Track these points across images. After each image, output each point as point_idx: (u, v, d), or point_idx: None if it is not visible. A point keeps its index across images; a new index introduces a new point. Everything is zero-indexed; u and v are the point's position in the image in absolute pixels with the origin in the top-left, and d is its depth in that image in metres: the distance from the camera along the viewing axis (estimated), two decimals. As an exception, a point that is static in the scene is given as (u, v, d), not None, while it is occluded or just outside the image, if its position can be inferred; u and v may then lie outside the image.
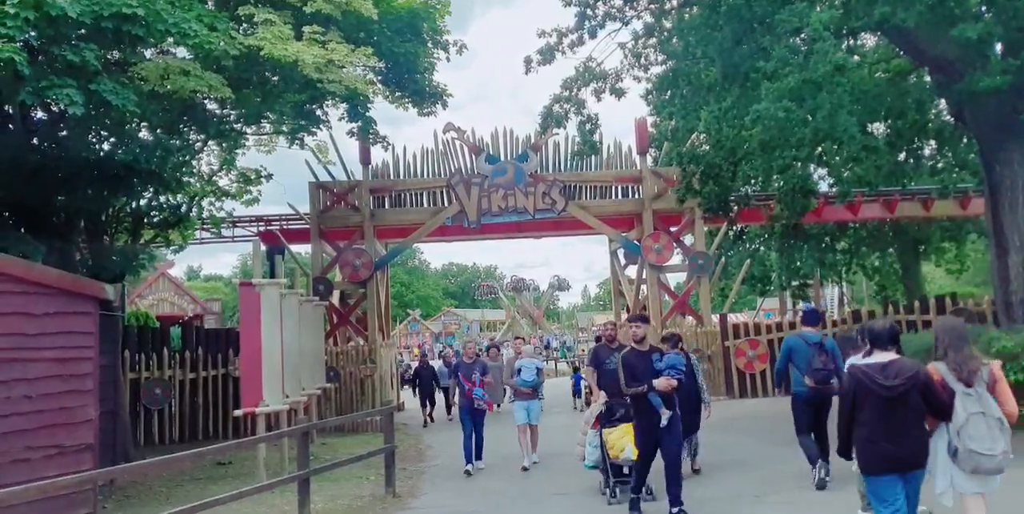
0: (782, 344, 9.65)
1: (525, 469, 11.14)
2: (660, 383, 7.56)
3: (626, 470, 8.61)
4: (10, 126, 11.92)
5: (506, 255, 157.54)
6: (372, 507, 9.36)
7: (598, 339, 14.72)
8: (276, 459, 12.01)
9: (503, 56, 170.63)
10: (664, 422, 7.58)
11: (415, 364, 30.13)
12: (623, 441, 8.43)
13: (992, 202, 12.59)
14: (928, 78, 14.18)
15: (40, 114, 12.56)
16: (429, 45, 16.04)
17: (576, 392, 20.26)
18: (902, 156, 17.85)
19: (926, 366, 5.13)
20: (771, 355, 18.04)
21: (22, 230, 11.99)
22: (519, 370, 11.50)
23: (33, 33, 8.97)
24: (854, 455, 5.18)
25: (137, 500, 10.42)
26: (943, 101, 14.56)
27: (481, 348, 16.10)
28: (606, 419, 8.85)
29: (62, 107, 9.80)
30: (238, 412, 11.78)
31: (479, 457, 11.61)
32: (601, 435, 8.82)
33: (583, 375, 22.75)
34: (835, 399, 6.95)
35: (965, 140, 16.13)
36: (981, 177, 13.30)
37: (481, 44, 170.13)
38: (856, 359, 5.89)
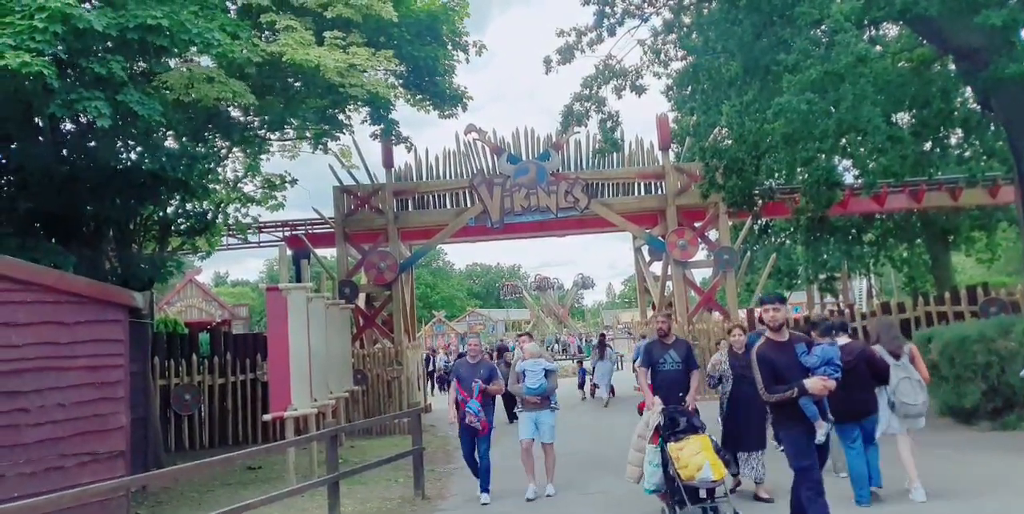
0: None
1: (530, 500, 9.18)
2: (814, 385, 5.81)
3: (703, 493, 6.96)
4: (40, 138, 12.07)
5: (530, 254, 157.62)
6: (402, 509, 9.37)
7: (620, 333, 14.74)
8: (305, 463, 12.06)
9: (522, 56, 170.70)
10: (821, 437, 5.94)
11: (450, 358, 30.11)
12: (699, 458, 6.79)
13: (1022, 189, 12.38)
14: (953, 66, 13.98)
15: (68, 125, 12.71)
16: (449, 47, 16.06)
17: (581, 385, 22.82)
18: (928, 145, 17.58)
19: (870, 347, 7.85)
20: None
21: (52, 240, 12.14)
22: (523, 374, 9.41)
23: (61, 47, 9.07)
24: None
25: (169, 505, 10.51)
26: (969, 89, 14.34)
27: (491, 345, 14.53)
28: (668, 431, 7.25)
29: (90, 118, 9.91)
30: (267, 416, 11.85)
31: (484, 488, 9.39)
32: (665, 451, 7.15)
33: (585, 370, 23.22)
34: None
35: (992, 128, 15.86)
36: (1010, 164, 13.09)
37: (499, 44, 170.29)
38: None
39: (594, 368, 21.77)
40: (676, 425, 7.22)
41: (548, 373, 9.40)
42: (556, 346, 44.02)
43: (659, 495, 7.48)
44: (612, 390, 21.51)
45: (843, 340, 7.60)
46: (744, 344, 8.49)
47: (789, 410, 5.90)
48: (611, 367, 21.84)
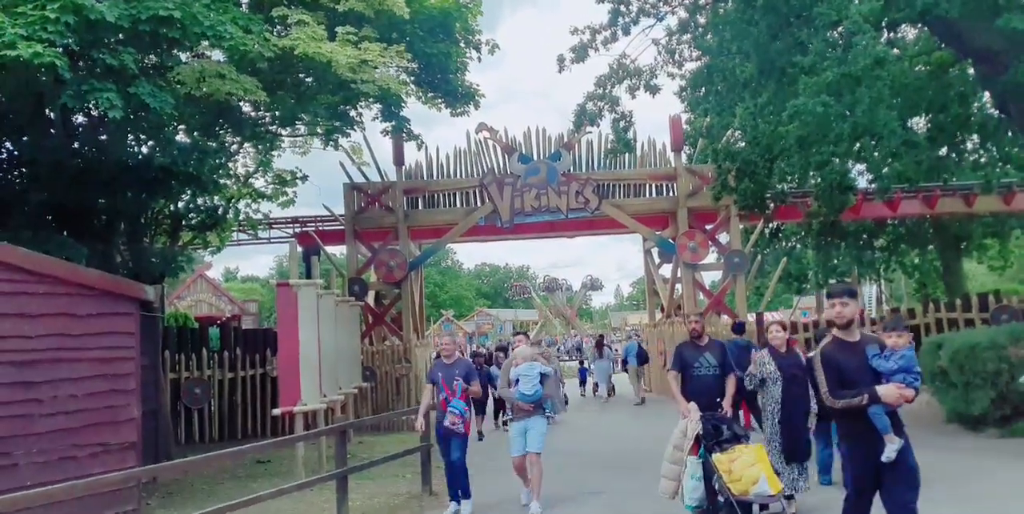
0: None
1: (526, 505, 8.66)
2: (888, 393, 4.99)
3: (757, 508, 6.49)
4: (51, 130, 12.15)
5: (539, 255, 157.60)
6: (409, 505, 9.39)
7: (739, 328, 14.48)
8: (314, 457, 12.09)
9: (533, 55, 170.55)
10: (891, 455, 5.03)
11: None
12: (754, 470, 6.13)
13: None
14: (971, 70, 13.91)
15: (80, 118, 12.77)
16: (461, 45, 16.06)
17: (582, 382, 23.73)
18: (943, 151, 17.53)
19: None
20: (809, 354, 17.81)
21: (64, 233, 12.20)
22: (516, 379, 8.61)
23: (73, 38, 9.09)
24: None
25: (179, 497, 10.55)
26: (987, 94, 14.27)
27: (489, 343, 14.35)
28: (711, 441, 6.57)
29: (102, 111, 9.95)
30: (276, 411, 11.88)
31: (465, 495, 8.74)
32: (708, 464, 6.48)
33: (586, 369, 23.72)
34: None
35: (1010, 133, 15.80)
36: (1026, 171, 13.03)
37: (511, 43, 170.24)
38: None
39: (590, 367, 23.37)
40: (719, 434, 6.56)
41: (544, 378, 8.59)
42: (561, 348, 44.02)
43: (699, 512, 6.70)
44: (612, 389, 22.11)
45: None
46: (785, 340, 7.86)
47: (855, 421, 5.10)
48: (609, 366, 22.67)
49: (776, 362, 7.69)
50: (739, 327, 13.79)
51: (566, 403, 16.68)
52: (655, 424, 15.50)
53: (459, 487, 8.69)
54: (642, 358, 21.60)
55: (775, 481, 6.16)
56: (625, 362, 21.55)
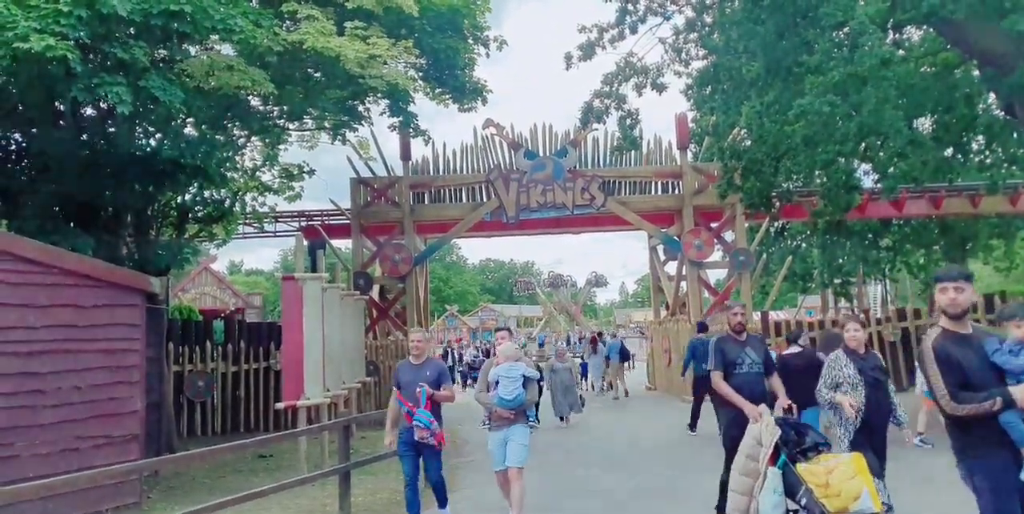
0: (687, 345, 14.63)
1: None
2: (1022, 393, 4.11)
3: None
4: (61, 122, 12.18)
5: (544, 251, 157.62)
6: (411, 500, 9.38)
7: (701, 327, 14.89)
8: (317, 452, 12.13)
9: (540, 50, 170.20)
10: None
11: (478, 352, 29.81)
12: (855, 484, 5.37)
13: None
14: (977, 71, 13.87)
15: (89, 111, 12.80)
16: (469, 41, 16.05)
17: (583, 376, 23.86)
18: (949, 151, 17.47)
19: (819, 354, 8.30)
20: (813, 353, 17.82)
21: (72, 224, 12.25)
22: (496, 381, 7.59)
23: (84, 31, 9.13)
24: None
25: (181, 490, 10.59)
26: (992, 95, 14.22)
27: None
28: (794, 449, 5.79)
29: (111, 104, 9.98)
30: (279, 405, 11.92)
31: (441, 504, 7.91)
32: (790, 474, 5.65)
33: (587, 364, 23.91)
34: None
35: (1015, 135, 15.74)
36: (1032, 172, 12.98)
37: (518, 38, 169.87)
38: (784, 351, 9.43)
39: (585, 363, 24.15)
40: (802, 441, 5.78)
41: (527, 381, 7.60)
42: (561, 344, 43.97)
43: None
44: (609, 384, 22.46)
45: (796, 349, 9.13)
46: (862, 342, 6.81)
47: (985, 430, 4.17)
48: (601, 362, 23.04)
49: (856, 365, 6.65)
50: (701, 326, 14.75)
51: (582, 403, 16.42)
52: (656, 420, 15.58)
53: (437, 493, 7.88)
54: (624, 355, 22.40)
55: (877, 496, 5.43)
56: (608, 358, 22.08)
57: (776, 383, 7.03)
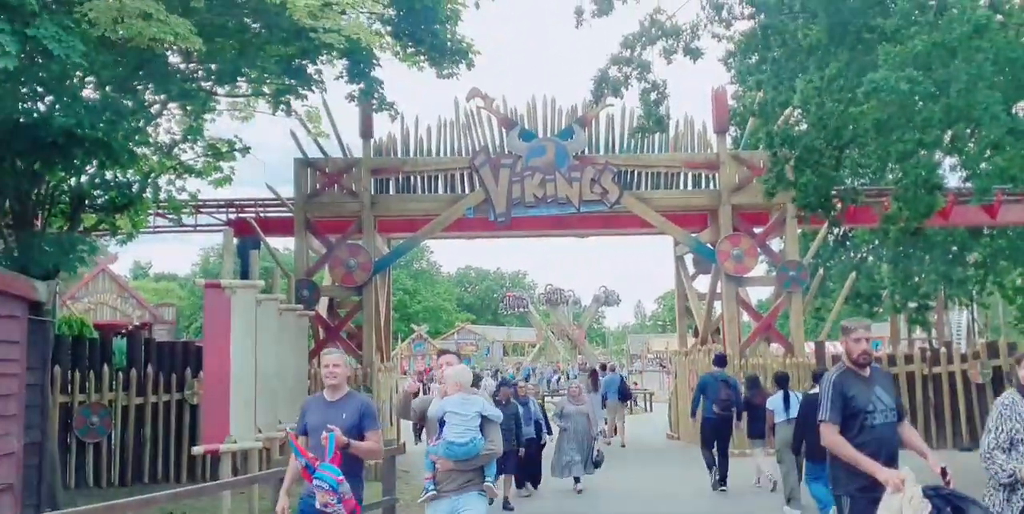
0: (698, 380, 15.81)
1: None
2: None
3: None
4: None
5: (540, 259, 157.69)
6: (362, 575, 9.37)
7: (719, 361, 15.33)
8: (244, 510, 12.09)
9: (542, 4, 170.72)
10: None
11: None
12: None
13: None
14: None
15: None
16: (453, -13, 16.09)
17: None
18: (1059, 143, 17.62)
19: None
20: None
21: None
22: (440, 422, 6.82)
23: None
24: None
25: (66, 556, 10.55)
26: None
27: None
28: None
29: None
30: (198, 449, 11.89)
31: None
32: None
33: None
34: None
35: None
36: None
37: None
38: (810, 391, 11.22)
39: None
40: None
41: (486, 423, 6.79)
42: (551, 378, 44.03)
43: None
44: (614, 429, 22.48)
45: (814, 390, 10.45)
46: None
47: None
48: (599, 400, 22.61)
49: None
50: (720, 360, 15.41)
51: (597, 461, 15.20)
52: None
53: None
54: (624, 394, 22.57)
55: None
56: (605, 398, 21.85)
57: (911, 435, 6.47)
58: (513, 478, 14.13)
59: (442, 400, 6.91)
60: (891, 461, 6.03)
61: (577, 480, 14.87)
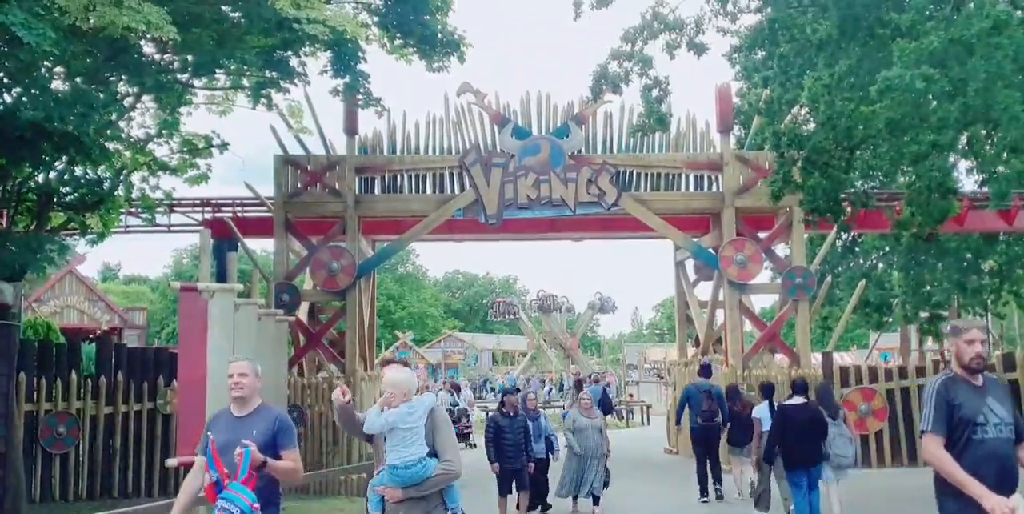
0: (682, 391, 16.91)
1: None
2: None
3: None
4: None
5: (532, 263, 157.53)
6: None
7: (705, 371, 15.90)
8: (217, 526, 12.06)
9: (540, 1, 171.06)
10: None
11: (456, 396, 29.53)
12: None
13: None
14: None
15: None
16: (444, -24, 16.11)
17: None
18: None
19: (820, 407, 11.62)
20: (891, 410, 17.98)
21: None
22: (383, 436, 6.13)
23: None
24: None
25: (30, 574, 10.52)
26: None
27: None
28: None
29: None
30: (171, 462, 11.84)
31: None
32: None
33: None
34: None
35: None
36: None
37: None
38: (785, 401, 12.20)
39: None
40: None
41: (435, 432, 6.08)
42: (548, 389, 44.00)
43: None
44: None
45: (801, 399, 11.53)
46: None
47: None
48: None
49: None
50: (705, 370, 16.39)
51: (606, 481, 14.36)
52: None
53: None
54: (606, 406, 22.74)
55: None
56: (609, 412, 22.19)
57: None
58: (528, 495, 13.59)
59: (385, 412, 6.05)
60: (1003, 485, 5.49)
61: (596, 501, 14.04)
